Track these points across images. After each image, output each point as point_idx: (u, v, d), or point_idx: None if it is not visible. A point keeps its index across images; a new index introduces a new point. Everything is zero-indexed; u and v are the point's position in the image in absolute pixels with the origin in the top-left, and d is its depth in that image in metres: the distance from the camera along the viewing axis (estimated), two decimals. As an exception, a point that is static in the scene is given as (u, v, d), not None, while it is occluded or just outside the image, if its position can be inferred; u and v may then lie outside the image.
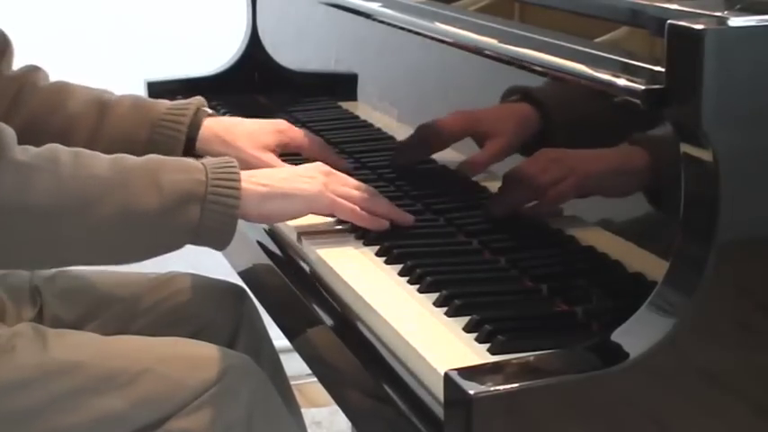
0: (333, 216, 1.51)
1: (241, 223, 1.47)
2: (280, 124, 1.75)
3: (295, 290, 1.45)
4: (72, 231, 1.36)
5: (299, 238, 1.51)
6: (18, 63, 1.78)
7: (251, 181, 1.44)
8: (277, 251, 1.56)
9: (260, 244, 1.61)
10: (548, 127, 1.36)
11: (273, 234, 1.59)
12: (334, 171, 1.51)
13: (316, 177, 1.48)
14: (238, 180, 1.41)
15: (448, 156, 1.58)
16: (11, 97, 1.71)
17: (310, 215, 1.54)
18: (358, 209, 1.47)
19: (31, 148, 1.37)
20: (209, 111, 1.75)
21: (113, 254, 1.42)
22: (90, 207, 1.35)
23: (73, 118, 1.71)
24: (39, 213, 1.34)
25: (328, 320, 1.35)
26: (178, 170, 1.40)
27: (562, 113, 1.35)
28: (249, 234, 1.63)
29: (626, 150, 1.22)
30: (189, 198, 1.38)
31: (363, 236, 1.47)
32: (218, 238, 1.42)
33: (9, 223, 1.34)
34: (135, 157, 1.42)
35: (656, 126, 1.13)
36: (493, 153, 1.47)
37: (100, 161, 1.39)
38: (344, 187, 1.49)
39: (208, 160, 1.44)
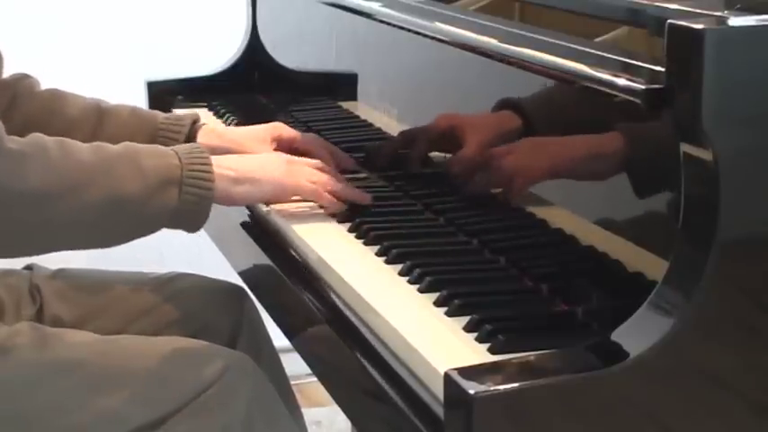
0: (305, 201, 1.57)
1: (242, 224, 1.47)
2: (274, 123, 1.80)
3: (295, 290, 1.45)
4: (61, 215, 1.38)
5: (299, 236, 1.51)
6: (19, 63, 1.78)
7: (220, 165, 1.48)
8: (277, 251, 1.56)
9: (260, 244, 1.61)
10: (529, 128, 1.38)
11: (274, 234, 1.59)
12: (294, 158, 1.59)
13: (279, 163, 1.55)
14: (210, 164, 1.46)
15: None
16: (6, 102, 1.72)
17: (312, 214, 1.55)
18: (320, 190, 1.54)
19: (18, 138, 1.39)
20: (204, 122, 1.80)
21: (98, 237, 1.45)
22: (78, 191, 1.38)
23: (72, 122, 1.72)
24: (31, 198, 1.36)
25: (328, 320, 1.35)
26: (155, 155, 1.45)
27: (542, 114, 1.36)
28: (249, 234, 1.64)
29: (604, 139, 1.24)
30: (168, 181, 1.42)
31: (364, 236, 1.47)
32: (193, 219, 1.46)
33: (4, 209, 1.35)
34: (113, 145, 1.45)
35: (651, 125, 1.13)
36: (472, 149, 1.48)
37: (83, 148, 1.42)
38: (307, 171, 1.55)
39: (177, 147, 1.49)
